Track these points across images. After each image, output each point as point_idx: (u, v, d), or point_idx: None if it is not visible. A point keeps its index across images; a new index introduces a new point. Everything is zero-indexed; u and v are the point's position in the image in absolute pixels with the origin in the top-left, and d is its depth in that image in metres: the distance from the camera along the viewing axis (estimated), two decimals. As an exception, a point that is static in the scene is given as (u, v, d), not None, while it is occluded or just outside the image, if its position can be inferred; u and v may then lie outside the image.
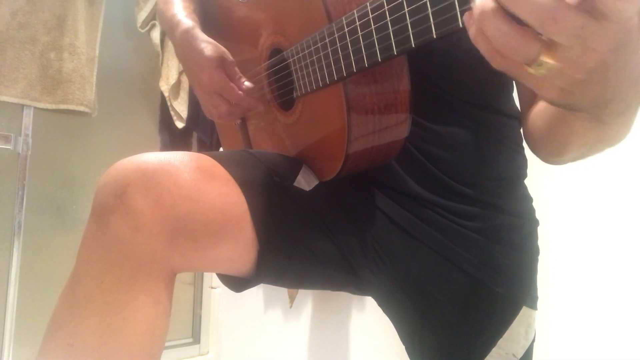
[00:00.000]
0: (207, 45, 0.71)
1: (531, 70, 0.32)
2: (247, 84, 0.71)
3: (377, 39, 0.47)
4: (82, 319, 0.50)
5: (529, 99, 0.70)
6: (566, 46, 0.31)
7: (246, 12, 0.80)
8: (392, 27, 0.45)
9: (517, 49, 0.32)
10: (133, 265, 0.50)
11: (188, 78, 0.77)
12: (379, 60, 0.48)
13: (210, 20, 0.87)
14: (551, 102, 0.38)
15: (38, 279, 1.43)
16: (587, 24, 0.30)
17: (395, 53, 0.46)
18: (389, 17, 0.45)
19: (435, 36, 0.41)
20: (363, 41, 0.49)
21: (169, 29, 0.80)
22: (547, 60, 0.31)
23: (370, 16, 0.47)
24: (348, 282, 0.69)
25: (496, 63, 0.35)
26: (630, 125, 0.47)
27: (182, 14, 0.79)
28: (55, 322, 0.52)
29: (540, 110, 0.65)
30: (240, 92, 0.70)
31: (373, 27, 0.47)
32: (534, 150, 0.70)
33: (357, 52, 0.50)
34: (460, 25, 0.38)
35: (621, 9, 0.29)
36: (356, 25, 0.49)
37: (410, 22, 0.43)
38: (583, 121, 0.47)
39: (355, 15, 0.49)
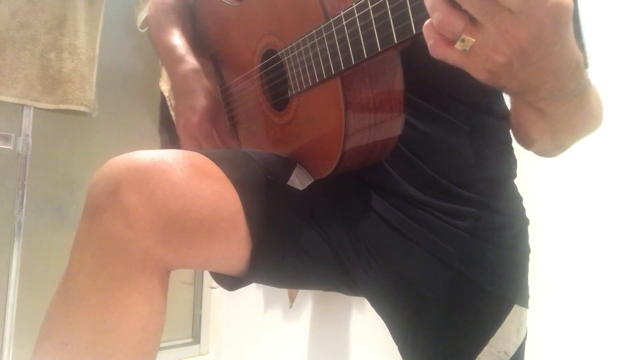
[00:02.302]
0: (208, 93, 0.76)
1: (457, 45, 0.39)
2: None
3: (376, 28, 0.47)
4: (77, 317, 0.50)
5: None
6: (484, 27, 0.37)
7: (237, 16, 0.80)
8: (392, 15, 0.45)
9: (447, 24, 0.38)
10: (126, 263, 0.50)
11: (175, 111, 0.80)
12: (379, 50, 0.48)
13: (201, 29, 0.87)
14: (484, 82, 0.44)
15: (38, 279, 1.43)
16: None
17: (396, 41, 0.46)
18: (389, 5, 0.45)
19: None
20: (362, 32, 0.49)
21: (169, 59, 0.82)
22: (468, 37, 0.38)
23: (370, 7, 0.47)
24: (341, 282, 0.69)
25: (434, 47, 0.40)
26: (585, 115, 0.51)
27: (184, 48, 0.81)
28: (49, 321, 0.52)
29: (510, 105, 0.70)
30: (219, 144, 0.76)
31: (372, 17, 0.47)
32: (521, 145, 0.73)
33: (356, 44, 0.50)
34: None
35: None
36: (355, 17, 0.49)
37: (412, 8, 0.43)
38: (528, 111, 0.54)
39: (354, 7, 0.49)
